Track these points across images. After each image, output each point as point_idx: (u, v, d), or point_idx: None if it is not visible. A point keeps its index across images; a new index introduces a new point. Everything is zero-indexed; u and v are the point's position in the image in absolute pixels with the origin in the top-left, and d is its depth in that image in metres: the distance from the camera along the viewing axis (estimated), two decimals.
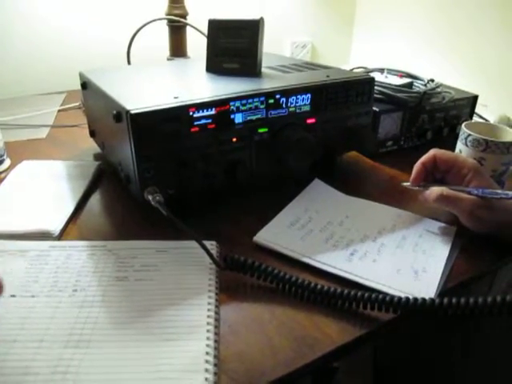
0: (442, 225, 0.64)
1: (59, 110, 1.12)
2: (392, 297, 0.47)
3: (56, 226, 0.61)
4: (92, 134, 0.84)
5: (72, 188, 0.72)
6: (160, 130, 0.58)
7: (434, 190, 0.61)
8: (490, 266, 0.58)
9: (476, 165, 0.62)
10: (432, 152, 0.65)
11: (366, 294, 0.47)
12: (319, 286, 0.49)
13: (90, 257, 0.55)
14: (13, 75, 1.24)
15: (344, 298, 0.48)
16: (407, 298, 0.46)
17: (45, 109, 1.11)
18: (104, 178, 0.78)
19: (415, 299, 0.46)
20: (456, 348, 0.63)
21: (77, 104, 1.14)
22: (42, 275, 0.52)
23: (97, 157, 0.86)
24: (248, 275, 0.52)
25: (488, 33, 1.20)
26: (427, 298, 0.46)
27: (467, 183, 0.61)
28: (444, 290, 0.52)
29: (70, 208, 0.66)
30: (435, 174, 0.65)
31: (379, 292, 0.49)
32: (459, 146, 0.74)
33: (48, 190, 0.71)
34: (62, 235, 0.61)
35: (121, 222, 0.65)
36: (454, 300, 0.45)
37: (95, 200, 0.71)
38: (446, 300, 0.45)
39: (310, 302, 0.50)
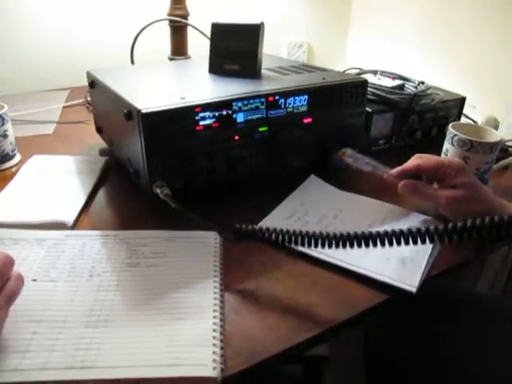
0: (429, 218, 0.69)
1: (64, 107, 1.16)
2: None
3: (70, 217, 0.65)
4: (99, 130, 0.88)
5: (82, 181, 0.76)
6: (168, 128, 0.62)
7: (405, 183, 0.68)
8: (473, 255, 0.64)
9: (460, 163, 0.66)
10: (415, 162, 0.69)
11: (397, 231, 0.51)
12: (333, 233, 0.52)
13: (104, 245, 0.60)
14: (17, 72, 1.27)
15: (366, 238, 0.51)
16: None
17: (50, 105, 1.15)
18: (111, 173, 0.82)
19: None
20: (445, 335, 0.67)
21: (81, 101, 1.18)
22: (59, 262, 0.57)
23: (103, 152, 0.90)
24: (259, 241, 0.56)
25: (483, 35, 1.23)
26: None
27: (450, 180, 0.65)
28: (428, 277, 0.57)
29: (81, 200, 0.70)
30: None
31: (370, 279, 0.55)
32: (446, 145, 0.79)
33: (59, 183, 0.76)
34: (75, 225, 0.65)
35: (129, 214, 0.70)
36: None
37: (104, 193, 0.76)
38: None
39: (323, 247, 0.53)
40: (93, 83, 0.83)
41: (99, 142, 0.90)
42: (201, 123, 0.65)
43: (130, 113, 0.63)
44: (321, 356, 1.30)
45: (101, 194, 0.75)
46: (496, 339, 0.65)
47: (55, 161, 0.83)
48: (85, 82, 0.86)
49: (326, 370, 1.31)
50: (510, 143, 0.94)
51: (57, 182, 0.76)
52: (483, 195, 0.64)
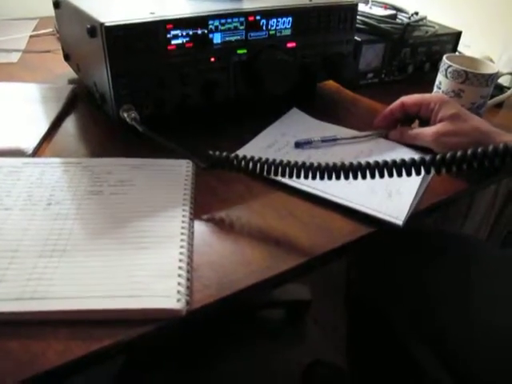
0: (418, 151, 0.64)
1: (31, 36, 1.07)
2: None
3: (29, 144, 0.60)
4: (66, 57, 0.81)
5: (46, 110, 0.70)
6: (135, 45, 0.56)
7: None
8: (464, 190, 0.60)
9: (441, 97, 0.64)
10: (400, 99, 0.67)
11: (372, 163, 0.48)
12: (318, 163, 0.49)
13: (65, 173, 0.55)
14: None
15: (352, 169, 0.48)
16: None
17: (15, 34, 1.06)
18: (79, 102, 0.76)
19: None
20: (430, 275, 0.64)
21: (50, 30, 1.09)
22: (15, 190, 0.52)
23: (71, 81, 0.83)
24: (234, 170, 0.52)
25: None
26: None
27: (435, 116, 0.62)
28: (417, 211, 0.53)
29: (43, 128, 0.65)
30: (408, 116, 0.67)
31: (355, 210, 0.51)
32: (439, 77, 0.74)
33: (21, 111, 0.69)
34: (35, 154, 0.60)
35: (95, 143, 0.64)
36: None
37: (70, 122, 0.70)
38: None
39: (306, 178, 0.49)
40: (57, 3, 0.75)
41: (68, 72, 0.83)
42: (173, 42, 0.58)
43: (94, 28, 0.56)
44: (302, 300, 1.29)
45: (67, 123, 0.69)
46: (481, 279, 0.63)
47: (16, 88, 0.76)
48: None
49: (307, 314, 1.31)
50: (504, 83, 0.89)
51: (18, 110, 0.69)
52: (472, 125, 0.60)
